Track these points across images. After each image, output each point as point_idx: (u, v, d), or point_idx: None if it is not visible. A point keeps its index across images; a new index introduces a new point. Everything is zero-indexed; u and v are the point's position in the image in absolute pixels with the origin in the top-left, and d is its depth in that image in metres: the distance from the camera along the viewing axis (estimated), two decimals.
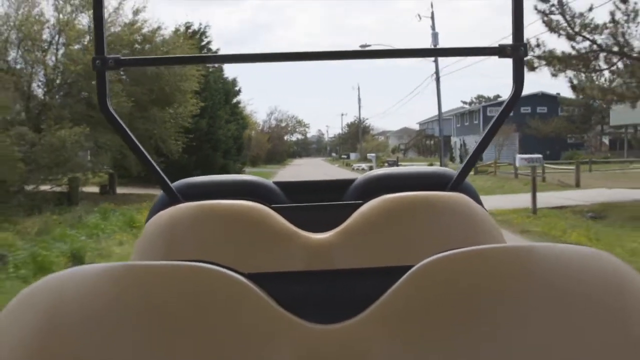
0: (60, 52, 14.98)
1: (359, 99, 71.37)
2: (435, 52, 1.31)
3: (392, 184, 1.27)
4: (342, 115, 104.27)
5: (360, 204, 1.14)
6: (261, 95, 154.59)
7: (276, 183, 1.36)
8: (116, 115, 1.15)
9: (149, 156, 1.19)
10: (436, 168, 1.38)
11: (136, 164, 14.54)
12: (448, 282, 0.64)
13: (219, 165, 23.18)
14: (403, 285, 0.64)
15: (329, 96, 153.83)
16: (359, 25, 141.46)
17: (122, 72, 14.80)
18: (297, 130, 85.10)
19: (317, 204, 1.29)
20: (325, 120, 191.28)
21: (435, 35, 28.04)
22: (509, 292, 0.62)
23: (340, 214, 1.14)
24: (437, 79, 28.19)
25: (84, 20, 15.67)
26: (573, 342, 0.59)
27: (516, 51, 1.12)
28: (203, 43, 25.42)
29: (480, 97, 75.61)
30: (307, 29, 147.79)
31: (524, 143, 42.02)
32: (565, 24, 11.57)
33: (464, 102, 74.96)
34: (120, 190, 17.59)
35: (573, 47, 11.84)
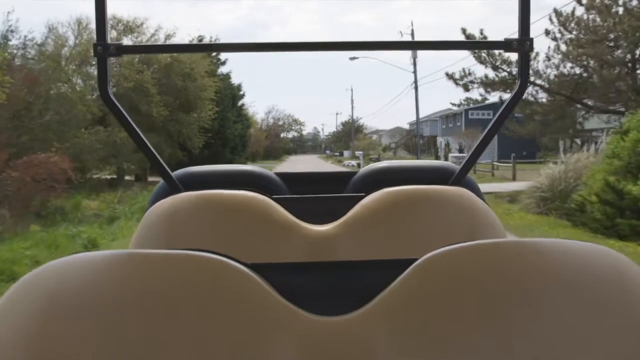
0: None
1: (352, 100, 75.72)
2: (441, 45, 1.22)
3: (394, 177, 1.27)
4: (337, 114, 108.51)
5: (362, 197, 1.14)
6: (260, 94, 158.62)
7: (277, 174, 1.36)
8: (117, 103, 1.14)
9: (149, 144, 1.19)
10: (438, 162, 1.40)
11: (169, 155, 18.93)
12: (453, 276, 0.63)
13: (227, 160, 27.43)
14: (407, 278, 0.63)
15: (324, 95, 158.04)
16: (355, 24, 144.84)
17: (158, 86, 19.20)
18: (293, 128, 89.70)
19: (319, 195, 1.29)
20: (321, 118, 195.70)
21: (414, 50, 32.29)
22: (514, 287, 0.62)
23: (342, 206, 1.14)
24: (416, 88, 32.50)
25: (129, 42, 20.05)
26: (578, 336, 0.59)
27: (522, 45, 1.11)
28: (214, 54, 29.72)
29: (468, 100, 79.54)
30: (303, 27, 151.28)
31: (503, 144, 46.09)
32: (490, 59, 15.93)
33: (453, 104, 78.84)
34: (150, 178, 21.90)
35: (497, 75, 16.22)
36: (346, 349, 0.62)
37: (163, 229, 1.08)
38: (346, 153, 68.26)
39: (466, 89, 16.40)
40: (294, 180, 1.37)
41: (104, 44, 1.09)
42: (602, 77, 14.07)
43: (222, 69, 30.21)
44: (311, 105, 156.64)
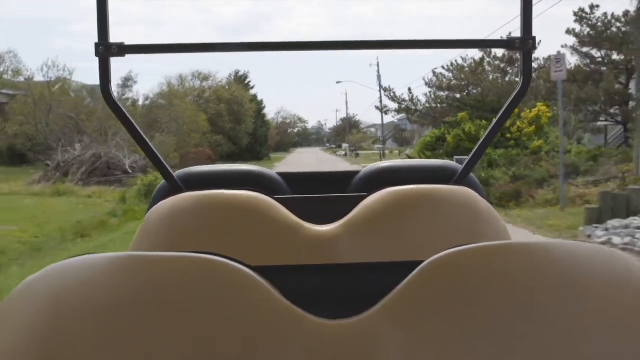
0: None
1: (346, 102, 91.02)
2: (442, 44, 1.21)
3: (396, 176, 1.27)
4: (337, 111, 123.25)
5: (364, 197, 1.15)
6: (266, 89, 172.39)
7: (279, 174, 1.36)
8: (119, 104, 1.14)
9: (150, 144, 1.20)
10: (441, 161, 1.40)
11: (228, 149, 35.35)
12: (459, 278, 0.63)
13: (257, 151, 43.91)
14: (414, 281, 0.63)
15: (327, 91, 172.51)
16: (359, 16, 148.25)
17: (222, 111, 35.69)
18: (298, 125, 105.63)
19: (321, 195, 1.29)
20: (324, 113, 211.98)
21: (379, 77, 47.99)
22: (522, 289, 0.61)
23: (344, 206, 1.14)
24: (381, 104, 48.26)
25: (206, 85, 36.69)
26: (587, 339, 0.59)
27: (525, 44, 1.12)
28: (246, 81, 46.25)
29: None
30: (307, 20, 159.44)
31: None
32: (396, 98, 32.22)
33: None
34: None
35: (400, 107, 32.53)
36: (353, 352, 0.61)
37: (164, 230, 1.08)
38: (344, 145, 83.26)
39: (386, 114, 32.62)
40: (295, 180, 1.37)
41: (106, 44, 1.09)
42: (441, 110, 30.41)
43: (251, 91, 46.66)
44: (314, 101, 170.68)
